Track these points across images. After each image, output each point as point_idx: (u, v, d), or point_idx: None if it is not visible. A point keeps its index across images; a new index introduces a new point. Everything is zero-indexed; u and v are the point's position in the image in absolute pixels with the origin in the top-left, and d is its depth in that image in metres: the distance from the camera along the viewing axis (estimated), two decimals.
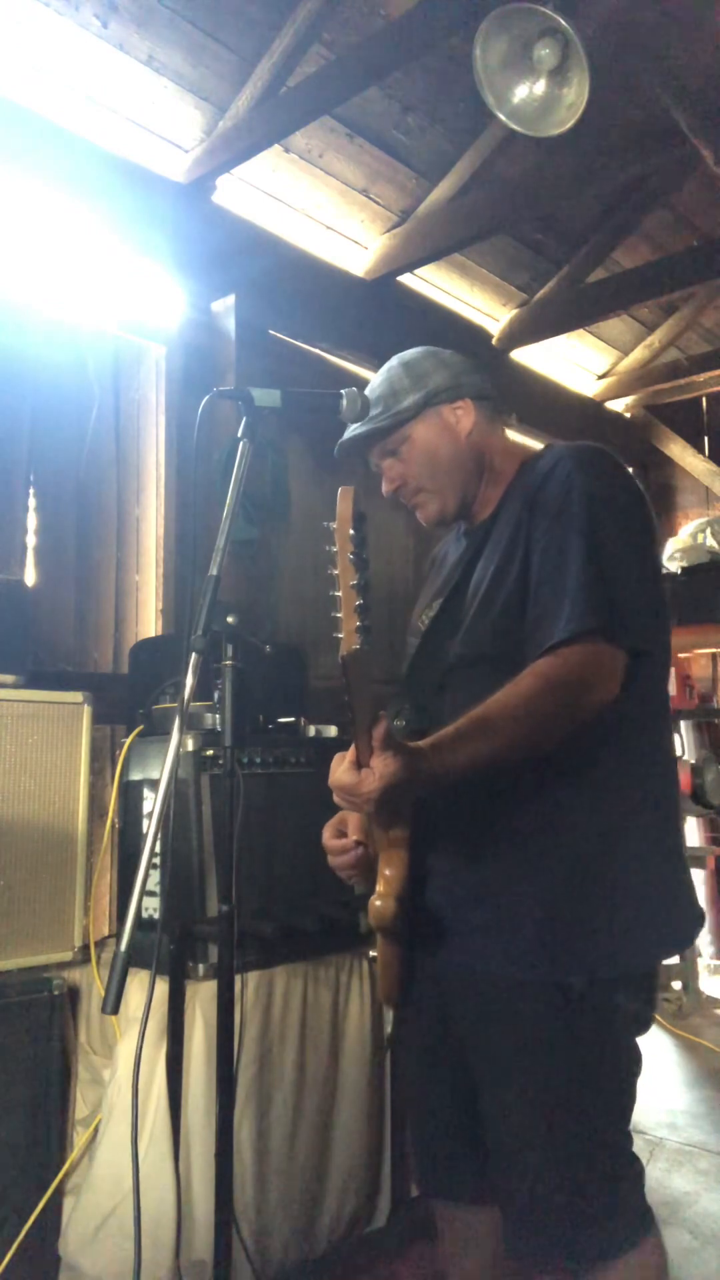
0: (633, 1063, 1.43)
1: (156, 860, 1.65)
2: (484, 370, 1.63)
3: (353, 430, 1.59)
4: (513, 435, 4.90)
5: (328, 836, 1.53)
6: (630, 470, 1.50)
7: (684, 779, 4.39)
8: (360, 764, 1.24)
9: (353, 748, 1.25)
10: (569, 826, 1.37)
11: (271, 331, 3.49)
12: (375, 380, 1.62)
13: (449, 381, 1.57)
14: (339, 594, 1.14)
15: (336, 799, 1.30)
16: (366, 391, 1.58)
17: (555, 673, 1.29)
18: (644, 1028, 1.44)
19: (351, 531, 1.15)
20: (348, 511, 1.15)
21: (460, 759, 1.26)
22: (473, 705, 1.28)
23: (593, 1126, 1.37)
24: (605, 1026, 1.37)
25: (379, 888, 1.37)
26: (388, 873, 1.37)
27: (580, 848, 1.37)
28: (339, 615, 1.14)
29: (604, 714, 1.31)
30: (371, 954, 1.50)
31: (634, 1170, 1.42)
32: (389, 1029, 1.56)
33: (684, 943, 1.47)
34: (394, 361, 1.62)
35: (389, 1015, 1.55)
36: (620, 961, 1.37)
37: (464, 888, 1.42)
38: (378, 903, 1.35)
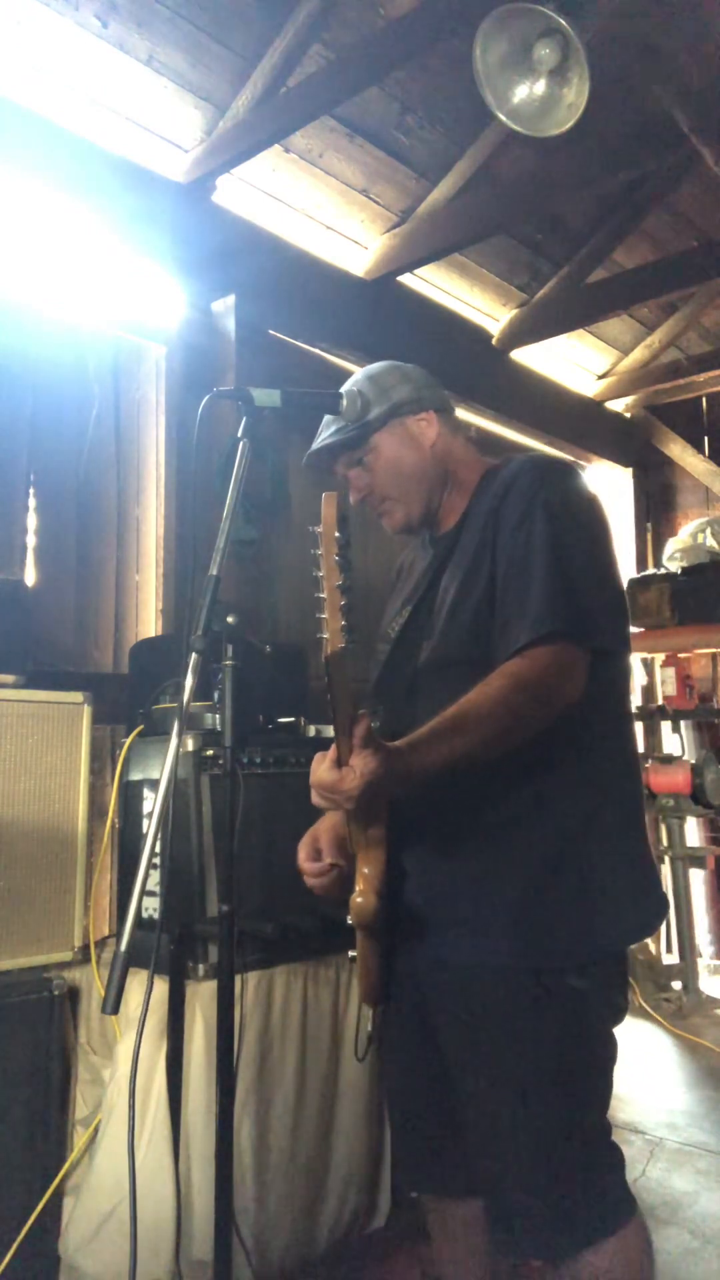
0: (609, 1051, 1.47)
1: (156, 860, 1.65)
2: (441, 386, 1.69)
3: (320, 441, 1.63)
4: (512, 436, 4.89)
5: (303, 857, 1.59)
6: (585, 479, 1.57)
7: (684, 779, 4.38)
8: (340, 762, 1.26)
9: (333, 746, 1.28)
10: (540, 820, 1.43)
11: (271, 331, 3.49)
12: (343, 390, 1.65)
13: (412, 394, 1.62)
14: (323, 595, 1.17)
15: (316, 797, 1.31)
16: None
17: (523, 673, 1.34)
18: (618, 1017, 1.49)
19: (336, 534, 1.18)
20: (332, 515, 1.18)
21: (435, 757, 1.30)
22: (444, 707, 1.33)
23: (569, 1113, 1.41)
24: (579, 1013, 1.41)
25: (358, 885, 1.40)
26: (366, 870, 1.40)
27: (551, 840, 1.43)
28: (323, 616, 1.17)
29: (570, 712, 1.37)
30: (351, 954, 1.53)
31: (613, 1157, 1.45)
32: (369, 1028, 1.58)
33: (650, 929, 1.55)
34: (359, 375, 1.67)
35: (368, 1014, 1.57)
36: (591, 947, 1.42)
37: (441, 883, 1.47)
38: (358, 900, 1.38)
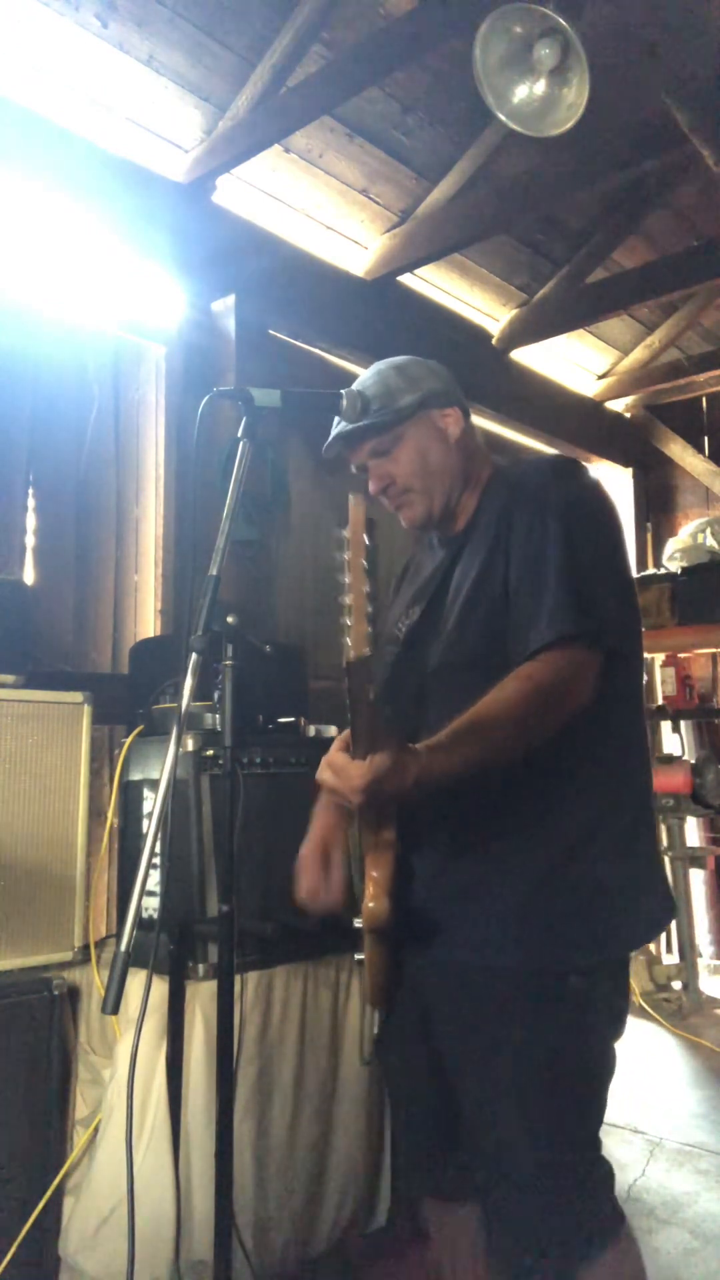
0: (607, 1062, 1.46)
1: (156, 860, 1.65)
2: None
3: (348, 426, 1.60)
4: (512, 436, 4.88)
5: (312, 873, 1.61)
6: (599, 481, 1.56)
7: (684, 779, 4.38)
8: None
9: (340, 739, 1.30)
10: (550, 822, 1.43)
11: (271, 331, 3.49)
12: (365, 380, 1.63)
13: (442, 388, 1.62)
14: (348, 599, 1.16)
15: (324, 777, 1.30)
16: (356, 389, 1.60)
17: (540, 676, 1.34)
18: (619, 1027, 1.48)
19: (366, 539, 1.17)
20: (361, 518, 1.18)
21: (455, 760, 1.30)
22: (455, 709, 1.33)
23: (566, 1120, 1.40)
24: (581, 1019, 1.40)
25: (369, 889, 1.40)
26: (375, 874, 1.40)
27: (560, 842, 1.42)
28: (347, 621, 1.16)
29: (582, 714, 1.36)
30: (358, 956, 1.52)
31: (604, 1169, 1.45)
32: (375, 1030, 1.58)
33: (654, 933, 1.57)
34: (383, 366, 1.65)
35: (373, 1017, 1.57)
36: (596, 949, 1.41)
37: (449, 886, 1.46)
38: (370, 904, 1.38)
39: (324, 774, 1.30)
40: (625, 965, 1.50)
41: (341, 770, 1.26)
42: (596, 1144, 1.44)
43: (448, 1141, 1.56)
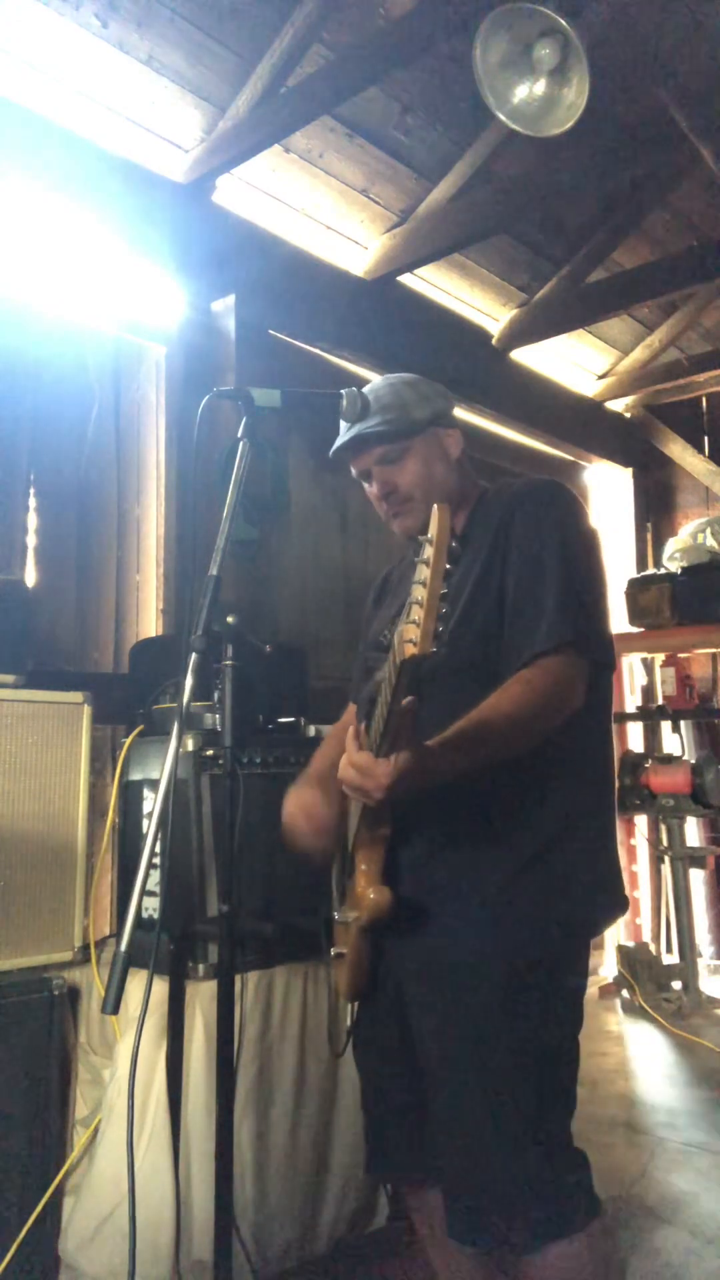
0: (574, 1049, 1.53)
1: (156, 860, 1.65)
2: None
3: (365, 428, 1.63)
4: (513, 436, 4.88)
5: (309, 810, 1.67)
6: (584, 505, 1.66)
7: (684, 779, 4.38)
8: (375, 754, 1.30)
9: (356, 732, 1.33)
10: (531, 816, 1.50)
11: (271, 331, 3.49)
12: (378, 389, 1.67)
13: (448, 409, 1.71)
14: (419, 601, 1.17)
15: (347, 774, 1.32)
16: (366, 393, 1.62)
17: (540, 681, 1.43)
18: (581, 1013, 1.56)
19: (453, 543, 1.21)
20: (447, 525, 1.20)
21: (463, 760, 1.35)
22: (448, 710, 1.38)
23: (538, 1104, 1.45)
24: (550, 1002, 1.47)
25: (360, 882, 1.43)
26: (365, 867, 1.45)
27: (539, 835, 1.50)
28: (414, 621, 1.18)
29: (567, 720, 1.45)
30: (334, 951, 1.54)
31: (575, 1160, 1.50)
32: (349, 1022, 1.60)
33: (608, 925, 1.66)
34: (395, 379, 1.70)
35: (348, 1009, 1.59)
36: (565, 937, 1.50)
37: (432, 876, 1.51)
38: (371, 894, 1.40)
39: (346, 772, 1.33)
40: (586, 953, 1.59)
41: (367, 770, 1.29)
42: (567, 1134, 1.50)
43: (419, 1127, 1.59)
